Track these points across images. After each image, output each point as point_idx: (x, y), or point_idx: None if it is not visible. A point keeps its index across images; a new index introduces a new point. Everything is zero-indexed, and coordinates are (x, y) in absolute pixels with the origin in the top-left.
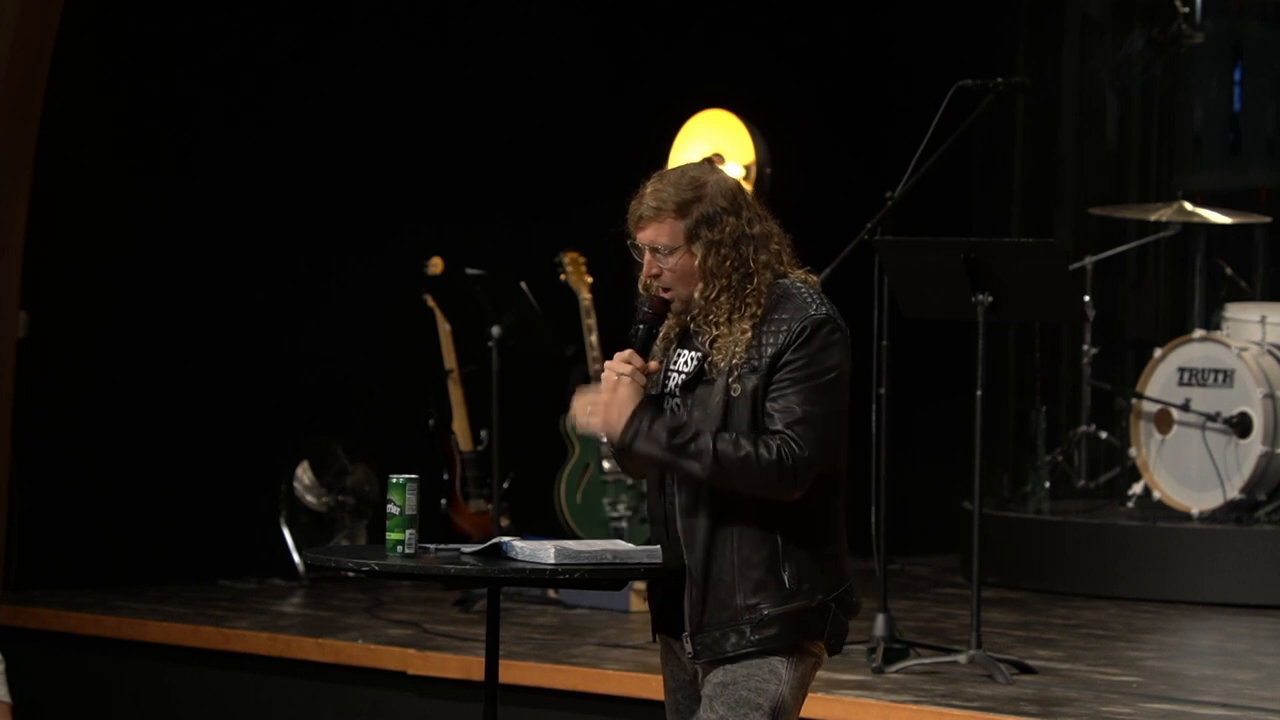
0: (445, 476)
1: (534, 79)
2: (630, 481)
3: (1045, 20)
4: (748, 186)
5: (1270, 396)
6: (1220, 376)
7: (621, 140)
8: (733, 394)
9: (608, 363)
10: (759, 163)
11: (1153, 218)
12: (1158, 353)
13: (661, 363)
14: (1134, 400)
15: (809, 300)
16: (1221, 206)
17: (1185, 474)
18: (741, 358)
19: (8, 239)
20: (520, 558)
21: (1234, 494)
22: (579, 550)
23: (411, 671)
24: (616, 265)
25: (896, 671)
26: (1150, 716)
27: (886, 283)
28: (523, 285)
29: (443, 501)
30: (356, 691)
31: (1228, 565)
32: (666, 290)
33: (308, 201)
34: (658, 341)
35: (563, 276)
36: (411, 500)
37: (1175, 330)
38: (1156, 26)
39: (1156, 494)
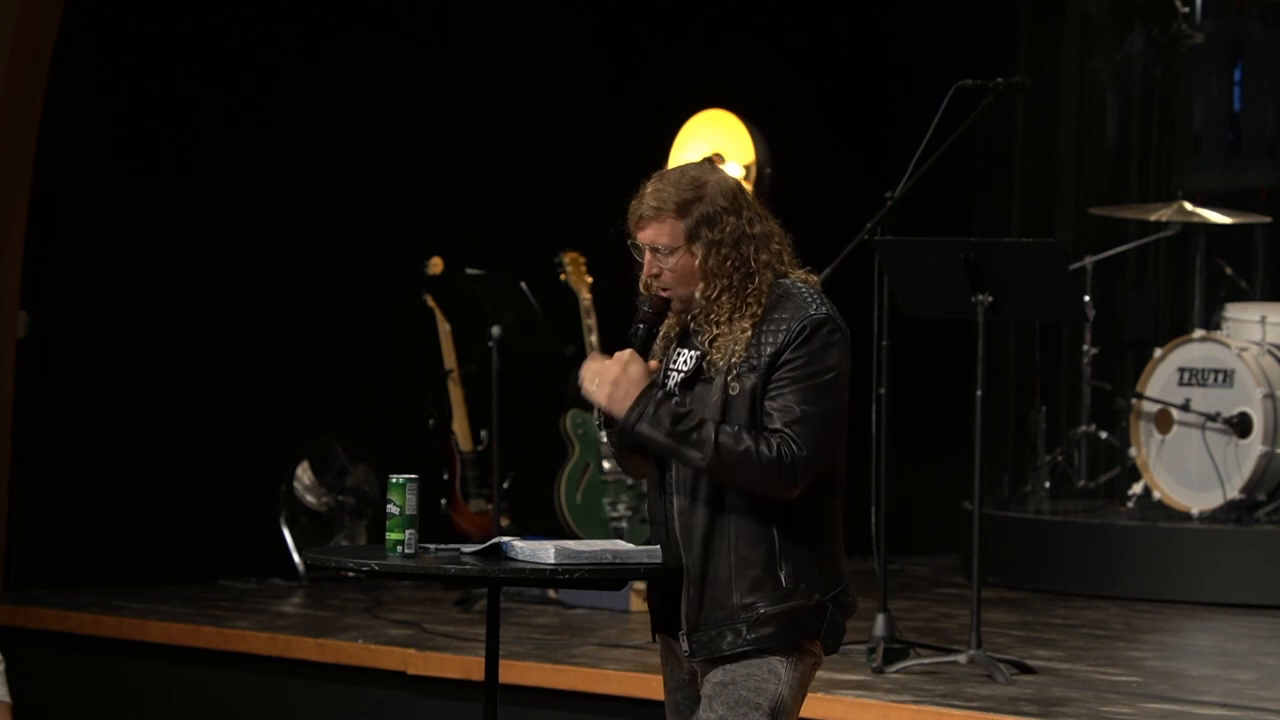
0: (445, 476)
1: (534, 79)
2: (630, 481)
3: (1045, 20)
4: (748, 186)
5: (1270, 396)
6: (1220, 376)
7: (621, 140)
8: (731, 392)
9: (595, 360)
10: (759, 163)
11: (1153, 218)
12: (1158, 353)
13: (661, 362)
14: (1134, 400)
15: (809, 300)
16: (1221, 206)
17: (1185, 474)
18: (741, 356)
19: (8, 239)
20: (520, 558)
21: (1234, 494)
22: (579, 550)
23: (411, 671)
24: (616, 265)
25: (896, 671)
26: (1150, 716)
27: (886, 283)
28: (523, 285)
29: (443, 501)
30: (356, 691)
31: (1228, 565)
32: (666, 290)
33: (308, 201)
34: (658, 341)
35: (563, 276)
36: (411, 500)
37: (1175, 330)
38: (1156, 26)
39: (1156, 494)
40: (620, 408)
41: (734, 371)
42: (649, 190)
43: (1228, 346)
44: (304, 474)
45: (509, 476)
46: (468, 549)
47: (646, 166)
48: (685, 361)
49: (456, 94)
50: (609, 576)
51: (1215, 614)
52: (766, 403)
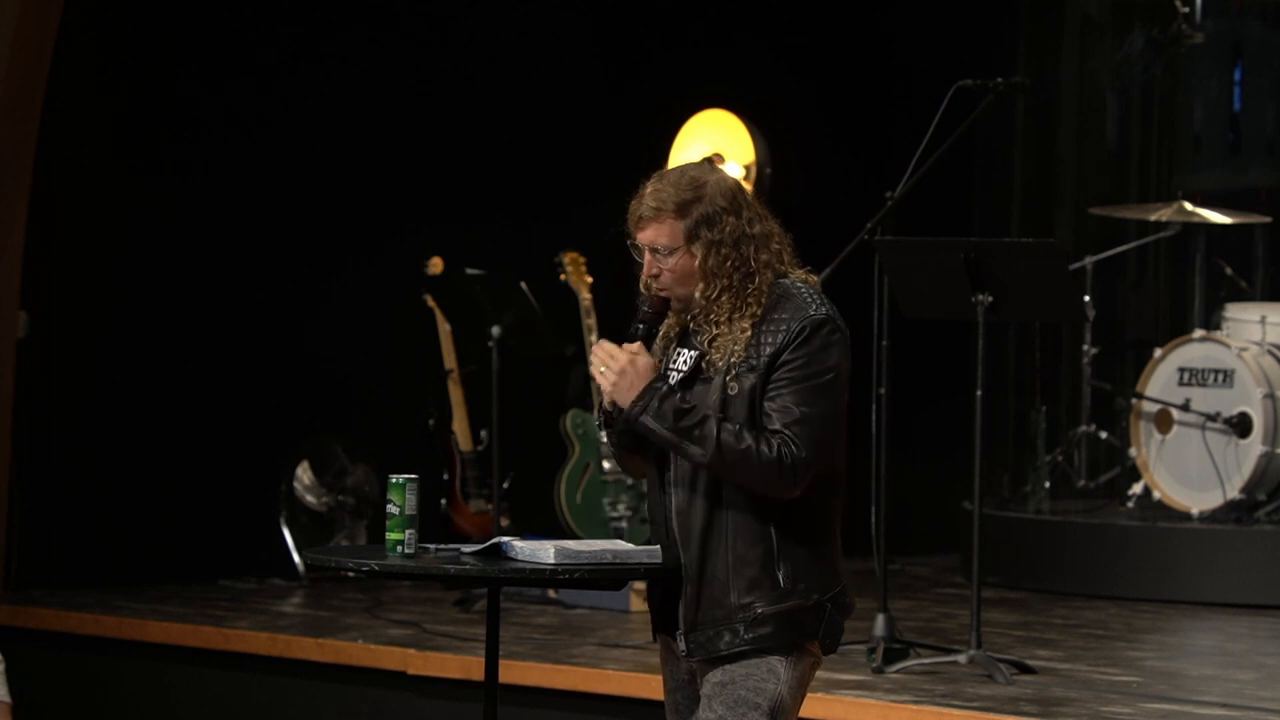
0: (445, 476)
1: (534, 79)
2: (630, 481)
3: (1045, 20)
4: (748, 186)
5: (1270, 396)
6: (1220, 376)
7: (621, 140)
8: (730, 392)
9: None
10: (759, 163)
11: (1153, 218)
12: (1158, 353)
13: (661, 361)
14: (1134, 400)
15: (809, 300)
16: (1221, 206)
17: (1185, 474)
18: (740, 356)
19: (8, 239)
20: (520, 558)
21: (1234, 494)
22: (579, 550)
23: (411, 671)
24: (616, 265)
25: (896, 671)
26: (1150, 716)
27: (886, 283)
28: (523, 285)
29: (443, 501)
30: (356, 691)
31: (1228, 565)
32: (665, 290)
33: (308, 201)
34: (657, 340)
35: (563, 276)
36: (411, 500)
37: (1175, 330)
38: (1156, 26)
39: (1156, 494)
40: (625, 399)
41: (733, 371)
42: (648, 191)
43: (1228, 346)
44: (304, 474)
45: (509, 476)
46: (468, 549)
47: (646, 166)
48: (685, 361)
49: (456, 94)
50: (609, 576)
51: (1215, 614)
52: (766, 403)
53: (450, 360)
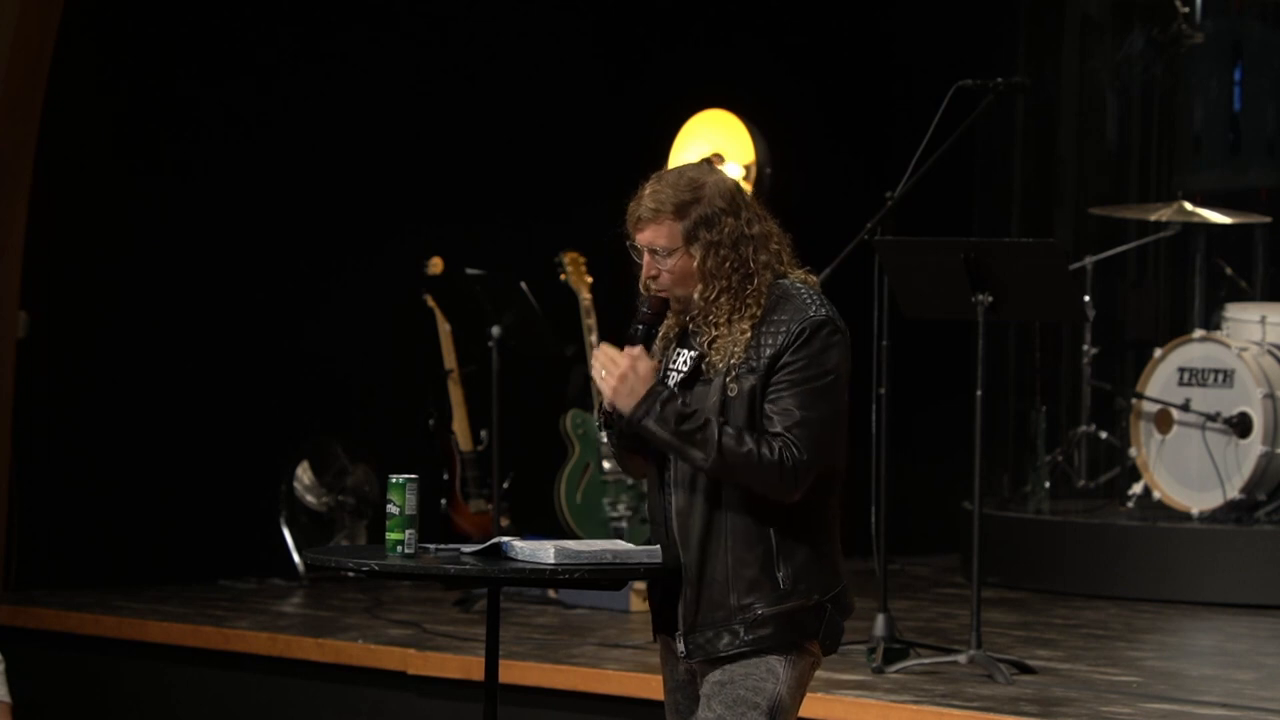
0: (445, 476)
1: (534, 79)
2: (630, 481)
3: (1045, 20)
4: (747, 186)
5: (1270, 396)
6: (1220, 376)
7: (621, 140)
8: (729, 394)
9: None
10: (759, 163)
11: (1153, 218)
12: (1158, 353)
13: (661, 362)
14: (1134, 400)
15: (809, 301)
16: (1221, 206)
17: (1185, 474)
18: (740, 358)
19: (8, 239)
20: (520, 558)
21: (1234, 494)
22: (579, 550)
23: (411, 671)
24: (616, 265)
25: (896, 671)
26: (1150, 716)
27: (886, 283)
28: (523, 285)
29: (443, 501)
30: (356, 691)
31: (1228, 565)
32: (664, 291)
33: (308, 201)
34: (657, 341)
35: (563, 276)
36: (411, 500)
37: (1175, 330)
38: (1156, 26)
39: (1156, 494)
40: (626, 403)
41: (733, 373)
42: (647, 192)
43: (1228, 346)
44: (304, 474)
45: (509, 476)
46: (468, 549)
47: (646, 166)
48: (684, 362)
49: (456, 94)
50: (609, 576)
51: (1215, 614)
52: (766, 405)
53: (450, 360)
